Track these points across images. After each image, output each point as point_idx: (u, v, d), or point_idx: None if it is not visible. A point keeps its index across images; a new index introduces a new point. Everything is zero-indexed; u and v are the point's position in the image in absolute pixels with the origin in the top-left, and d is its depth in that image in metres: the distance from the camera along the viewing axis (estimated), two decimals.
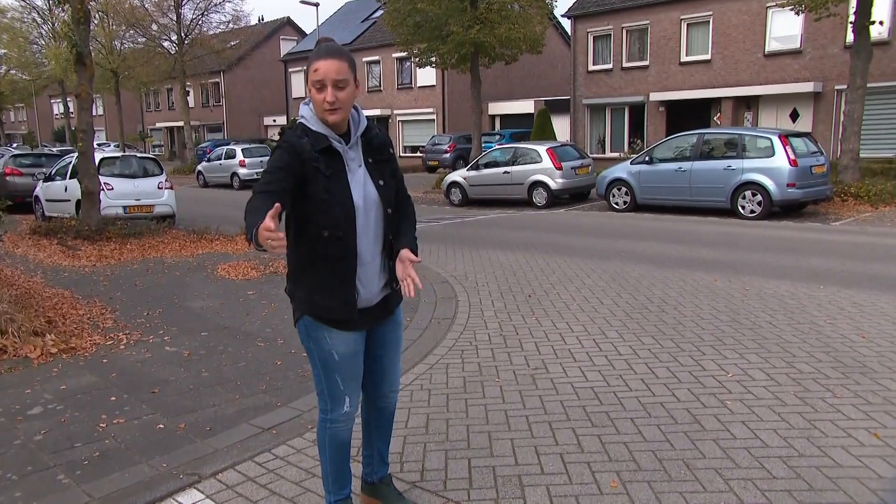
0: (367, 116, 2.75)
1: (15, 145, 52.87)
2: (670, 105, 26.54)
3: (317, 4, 27.79)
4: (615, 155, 26.50)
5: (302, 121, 2.61)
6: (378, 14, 32.18)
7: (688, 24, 25.84)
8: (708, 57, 25.36)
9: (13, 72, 48.30)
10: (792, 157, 12.54)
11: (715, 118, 25.34)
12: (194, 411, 4.30)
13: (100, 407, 4.38)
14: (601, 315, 6.31)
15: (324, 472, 2.88)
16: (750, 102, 24.87)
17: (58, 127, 64.02)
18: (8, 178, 18.58)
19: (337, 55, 2.52)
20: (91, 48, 34.02)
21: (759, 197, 12.84)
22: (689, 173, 13.84)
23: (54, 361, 5.28)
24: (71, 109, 53.96)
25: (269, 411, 4.28)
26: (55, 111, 66.19)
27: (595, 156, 25.99)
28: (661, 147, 14.97)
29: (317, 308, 2.64)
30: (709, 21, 25.16)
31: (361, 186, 2.62)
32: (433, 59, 22.56)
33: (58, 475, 3.52)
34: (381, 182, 2.67)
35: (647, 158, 14.82)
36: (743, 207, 13.07)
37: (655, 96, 26.56)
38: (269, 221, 2.09)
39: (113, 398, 4.52)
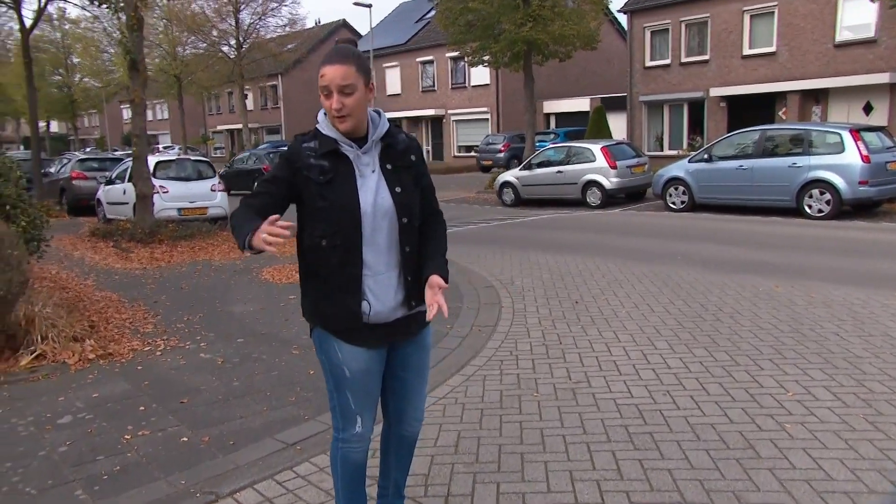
0: (388, 120, 2.54)
1: (88, 149, 55.00)
2: (732, 100, 25.60)
3: (369, 6, 27.84)
4: (673, 153, 25.72)
5: (317, 125, 2.48)
6: (432, 14, 32.08)
7: (751, 16, 24.86)
8: (773, 49, 24.35)
9: (86, 79, 50.09)
10: (864, 152, 11.82)
11: (780, 113, 24.32)
12: (220, 423, 4.17)
13: (128, 417, 4.30)
14: (651, 324, 5.97)
15: (336, 494, 2.70)
16: (818, 96, 23.76)
17: (126, 131, 66.26)
18: (74, 181, 19.16)
19: (343, 59, 2.36)
20: (156, 55, 34.80)
21: (828, 196, 12.15)
22: (751, 171, 13.22)
23: (91, 367, 5.26)
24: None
25: (295, 424, 4.12)
26: (124, 116, 68.51)
27: (652, 154, 25.30)
28: (722, 144, 14.37)
29: (321, 317, 2.50)
30: (773, 12, 24.16)
31: (373, 193, 2.43)
32: (486, 57, 22.28)
33: (76, 490, 3.44)
34: (399, 189, 2.48)
35: (705, 156, 14.24)
36: (809, 207, 12.40)
37: (716, 91, 25.66)
38: (266, 226, 2.09)
39: (142, 408, 4.44)
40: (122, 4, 11.37)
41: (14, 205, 6.28)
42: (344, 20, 51.68)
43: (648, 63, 28.02)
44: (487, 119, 35.28)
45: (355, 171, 2.43)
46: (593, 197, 16.04)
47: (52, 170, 21.94)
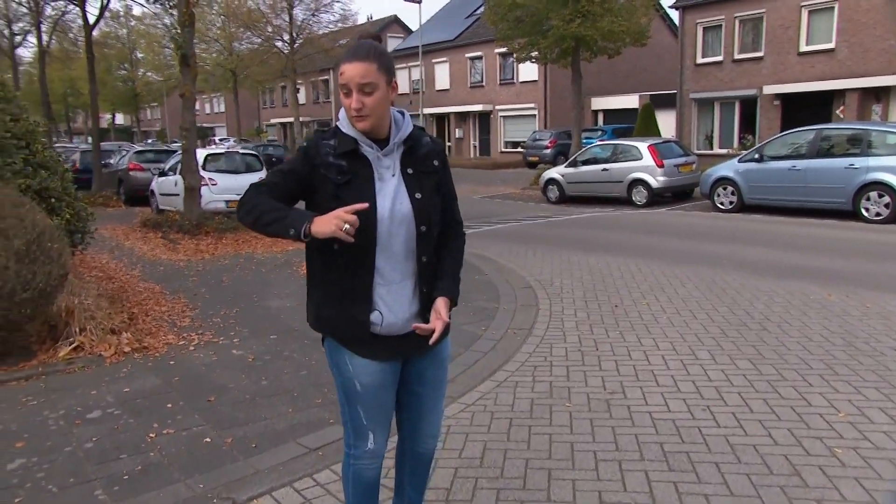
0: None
1: (150, 141, 56.36)
2: (786, 98, 24.64)
3: (419, 2, 27.70)
4: (723, 151, 24.92)
5: (337, 123, 2.31)
6: (481, 10, 31.77)
7: (809, 12, 23.86)
8: (831, 45, 23.33)
9: (149, 74, 51.28)
10: None
11: (837, 112, 23.30)
12: (245, 424, 4.07)
13: (155, 414, 4.23)
14: (692, 331, 5.66)
15: None
16: (879, 94, 22.67)
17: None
18: (131, 172, 19.52)
19: (364, 57, 2.19)
20: (213, 50, 35.32)
21: (887, 199, 11.52)
22: (805, 172, 12.63)
23: (126, 361, 5.23)
24: (197, 108, 56.90)
25: (319, 428, 3.98)
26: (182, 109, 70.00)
27: (701, 152, 24.59)
28: (774, 144, 13.78)
29: (326, 323, 2.34)
30: (833, 7, 23.13)
31: (391, 198, 2.26)
32: (533, 54, 21.90)
33: (96, 490, 3.36)
34: (419, 195, 2.30)
35: (756, 156, 13.68)
36: (867, 210, 11.79)
37: (770, 89, 24.74)
38: (342, 211, 2.06)
39: (169, 405, 4.37)
40: (174, 1, 11.44)
41: (59, 198, 6.31)
42: (395, 16, 51.68)
43: (700, 60, 27.19)
44: (535, 115, 34.82)
45: (374, 173, 2.26)
46: (639, 196, 15.60)
47: (112, 161, 22.43)
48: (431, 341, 2.26)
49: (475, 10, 38.11)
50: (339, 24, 39.56)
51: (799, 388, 4.32)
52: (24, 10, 24.35)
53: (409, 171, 2.32)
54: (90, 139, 57.01)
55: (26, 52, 33.23)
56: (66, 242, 5.42)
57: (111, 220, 14.72)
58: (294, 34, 37.13)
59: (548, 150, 28.40)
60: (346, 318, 2.28)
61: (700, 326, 5.79)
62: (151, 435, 3.94)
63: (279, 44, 38.61)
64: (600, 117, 33.67)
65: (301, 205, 2.26)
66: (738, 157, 14.42)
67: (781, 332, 5.54)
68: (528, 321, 6.22)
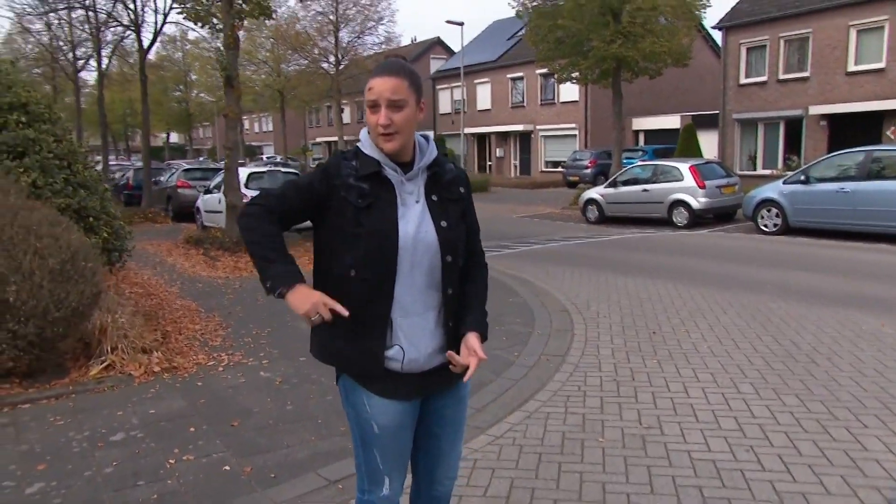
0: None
1: (201, 159, 57.69)
2: (833, 119, 23.86)
3: (461, 24, 27.74)
4: (767, 172, 24.19)
5: (358, 144, 2.14)
6: (523, 31, 31.68)
7: (858, 31, 23.10)
8: (882, 65, 22.51)
9: (201, 94, 52.54)
10: None
11: (888, 133, 22.44)
12: (266, 452, 3.90)
13: (177, 439, 4.10)
14: (735, 362, 5.33)
15: None
16: None
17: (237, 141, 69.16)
18: (179, 189, 19.86)
19: (394, 72, 2.04)
20: (262, 72, 35.96)
21: None
22: (854, 195, 12.09)
23: (155, 381, 5.14)
24: (246, 127, 58.28)
25: (341, 458, 3.79)
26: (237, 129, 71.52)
27: (744, 173, 23.95)
28: (821, 165, 13.25)
29: (337, 358, 2.15)
30: (884, 26, 22.34)
31: (415, 225, 2.08)
32: (574, 74, 21.67)
33: None
34: (444, 224, 2.12)
35: (802, 177, 13.16)
36: None
37: (816, 110, 23.99)
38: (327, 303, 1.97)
39: (192, 429, 4.23)
40: (220, 26, 11.57)
41: (97, 216, 6.31)
42: (438, 38, 51.98)
43: (743, 80, 26.56)
44: (575, 135, 34.47)
45: (397, 198, 2.09)
46: (680, 217, 15.17)
47: (162, 178, 22.86)
48: (466, 378, 2.09)
49: (517, 32, 38.02)
50: (384, 46, 39.89)
51: (852, 429, 3.98)
52: (86, 35, 25.05)
53: (434, 197, 2.15)
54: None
55: (89, 76, 34.37)
56: (100, 261, 5.38)
57: (158, 236, 14.92)
58: (339, 56, 37.57)
59: (588, 170, 28.03)
60: (360, 350, 2.09)
61: (743, 357, 5.46)
62: (171, 461, 3.80)
63: (325, 65, 39.12)
64: (641, 137, 33.17)
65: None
66: (782, 179, 13.92)
67: (831, 365, 5.18)
68: (563, 347, 5.96)
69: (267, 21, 36.67)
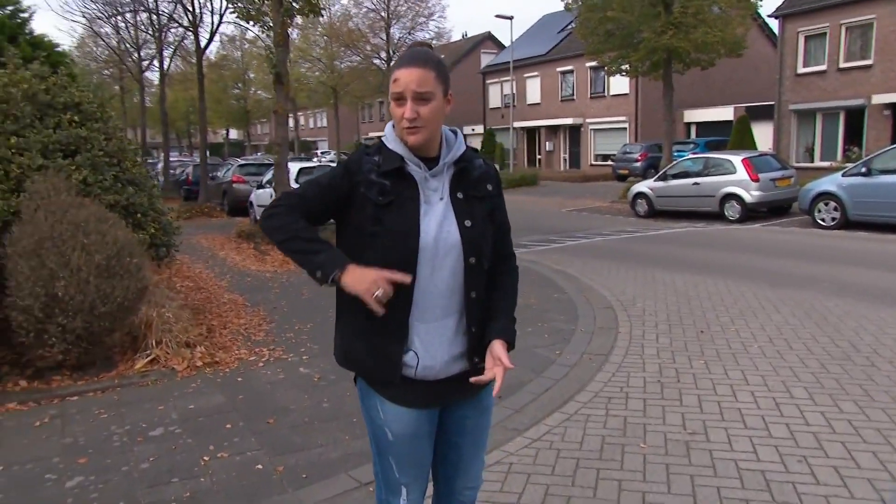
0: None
1: (258, 154, 58.74)
2: None
3: (510, 18, 27.39)
4: (825, 164, 23.14)
5: (382, 137, 2.00)
6: (573, 24, 31.10)
7: None
8: None
9: (259, 92, 53.45)
10: None
11: None
12: (300, 451, 3.82)
13: (213, 435, 4.05)
14: (787, 364, 5.01)
15: None
16: None
17: (291, 138, 70.25)
18: (234, 185, 20.15)
19: (421, 62, 1.89)
20: (316, 69, 36.34)
21: None
22: None
23: (197, 375, 5.13)
24: (301, 123, 59.13)
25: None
26: (289, 125, 72.65)
27: (801, 165, 22.99)
28: (885, 156, 12.52)
29: (355, 363, 2.02)
30: None
31: (437, 223, 1.93)
32: (624, 66, 21.11)
33: None
34: (469, 223, 1.96)
35: (863, 169, 12.48)
36: None
37: (879, 98, 22.79)
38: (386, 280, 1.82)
39: (228, 426, 4.19)
40: (270, 24, 11.60)
41: (144, 213, 6.35)
42: (489, 32, 51.53)
43: (801, 69, 25.45)
44: (626, 128, 33.71)
45: (420, 195, 1.94)
46: (732, 210, 14.60)
47: (219, 174, 23.27)
48: (496, 392, 1.96)
49: (567, 25, 37.38)
50: (434, 42, 39.79)
51: None
52: (150, 37, 25.67)
53: (459, 195, 1.99)
54: (208, 153, 60.14)
55: (154, 76, 35.16)
56: (145, 257, 5.40)
57: (213, 230, 15.15)
58: (391, 52, 37.61)
59: (638, 164, 27.36)
60: (376, 355, 1.96)
61: (796, 359, 5.13)
62: (206, 458, 3.75)
63: (377, 61, 39.23)
64: (693, 130, 32.19)
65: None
66: (842, 171, 13.24)
67: (894, 369, 4.82)
68: (606, 346, 5.73)
69: (320, 19, 37.18)
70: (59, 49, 23.06)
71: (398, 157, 1.94)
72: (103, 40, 30.13)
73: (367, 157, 1.97)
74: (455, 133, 2.08)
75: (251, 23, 12.22)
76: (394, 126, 1.99)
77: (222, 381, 5.00)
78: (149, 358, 5.22)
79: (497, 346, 1.97)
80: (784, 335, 5.77)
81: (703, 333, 5.96)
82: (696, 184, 15.37)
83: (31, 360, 5.08)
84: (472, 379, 1.95)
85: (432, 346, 1.96)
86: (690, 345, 5.64)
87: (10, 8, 20.52)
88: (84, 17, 31.22)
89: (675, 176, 16.05)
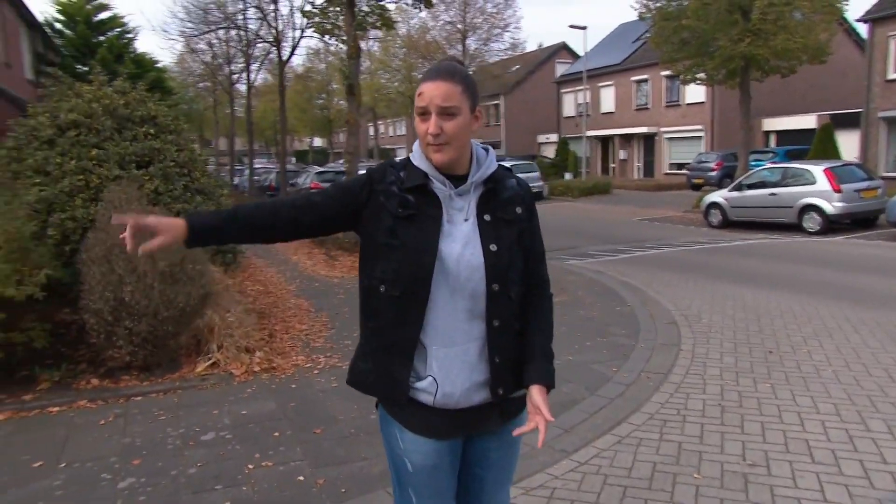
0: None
1: (340, 162, 60.11)
2: None
3: (584, 28, 26.87)
4: None
5: (410, 154, 1.89)
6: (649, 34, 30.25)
7: None
8: None
9: (341, 102, 54.65)
10: None
11: None
12: (342, 464, 3.72)
13: (260, 443, 4.02)
14: (865, 392, 4.57)
15: None
16: None
17: (371, 146, 71.52)
18: (312, 191, 20.55)
19: (447, 76, 1.76)
20: (395, 80, 36.92)
21: None
22: None
23: (253, 380, 5.14)
24: (381, 132, 60.07)
25: None
26: (370, 133, 73.98)
27: (891, 175, 21.49)
28: None
29: (357, 377, 1.91)
30: None
31: (460, 245, 1.79)
32: (699, 75, 20.29)
33: None
34: (494, 247, 1.81)
35: None
36: None
37: None
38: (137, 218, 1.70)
39: (276, 434, 4.14)
40: (343, 37, 11.73)
41: None
42: (564, 43, 50.82)
43: (891, 75, 23.78)
44: (701, 137, 32.47)
45: (443, 214, 1.81)
46: (811, 222, 13.74)
47: (299, 181, 23.81)
48: (539, 444, 1.81)
49: (643, 34, 36.42)
50: (509, 52, 39.58)
51: None
52: (239, 52, 26.63)
53: (487, 217, 1.84)
54: (293, 159, 61.87)
55: (243, 88, 36.51)
56: (207, 264, 5.46)
57: None
58: (466, 63, 37.65)
59: (713, 173, 26.26)
60: (381, 373, 1.84)
61: (875, 386, 4.68)
62: (250, 466, 3.71)
63: None
64: (773, 139, 30.68)
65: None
66: None
67: None
68: (667, 364, 5.40)
69: (399, 32, 37.62)
70: (158, 65, 24.17)
71: (422, 173, 1.82)
72: (198, 56, 31.50)
73: (391, 170, 1.87)
74: (487, 151, 1.93)
75: (326, 36, 12.40)
76: (419, 142, 1.86)
77: (276, 388, 4.98)
78: (210, 362, 5.27)
79: (536, 394, 1.84)
80: (862, 359, 5.28)
81: (771, 354, 5.54)
82: (773, 194, 14.57)
83: (103, 359, 5.22)
84: (516, 432, 1.84)
85: (452, 373, 1.81)
86: (757, 366, 5.24)
87: (118, 30, 21.66)
88: (182, 35, 32.75)
89: (752, 186, 15.27)
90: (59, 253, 5.41)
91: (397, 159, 1.95)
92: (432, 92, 1.75)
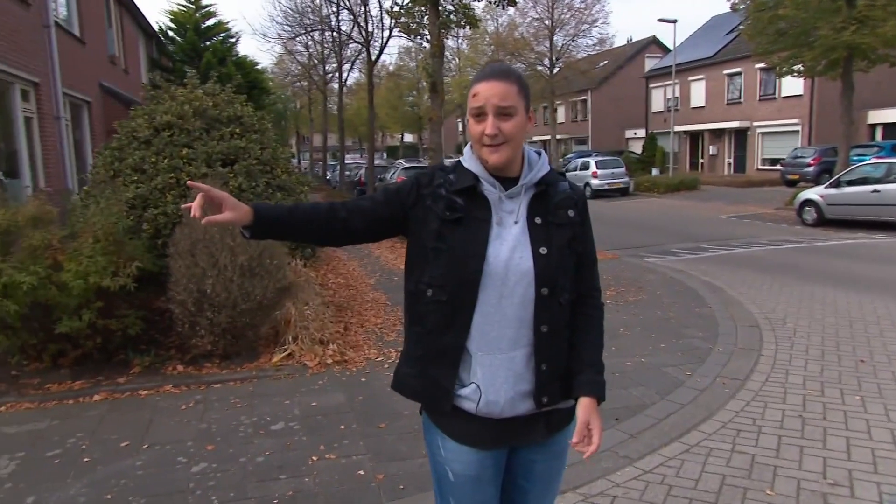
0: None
1: (425, 158, 60.75)
2: None
3: (674, 21, 25.78)
4: None
5: (460, 158, 1.81)
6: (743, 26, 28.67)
7: None
8: None
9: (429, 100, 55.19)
10: None
11: None
12: (402, 460, 3.69)
13: (326, 435, 4.04)
14: None
15: None
16: None
17: (458, 141, 71.84)
18: (364, 195, 20.86)
19: (503, 76, 1.69)
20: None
21: None
22: None
23: (325, 373, 5.19)
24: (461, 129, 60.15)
25: None
26: (458, 129, 74.31)
27: None
28: None
29: (400, 382, 1.85)
30: None
31: (509, 249, 1.70)
32: (797, 67, 19.01)
33: None
34: (544, 250, 1.72)
35: None
36: None
37: None
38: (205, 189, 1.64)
39: (342, 427, 4.15)
40: (428, 36, 11.74)
41: None
42: (654, 37, 49.08)
43: None
44: (798, 131, 30.53)
45: (493, 216, 1.72)
46: None
47: (387, 175, 24.16)
48: (586, 457, 1.72)
49: (736, 26, 34.60)
50: (597, 48, 38.61)
51: None
52: (332, 52, 27.33)
53: (537, 220, 1.75)
54: (385, 154, 62.94)
55: (336, 87, 37.43)
56: (285, 259, 5.56)
57: None
58: (554, 59, 36.99)
59: (810, 168, 24.60)
60: (426, 379, 1.77)
61: None
62: (314, 458, 3.73)
63: (540, 68, 38.79)
64: (878, 132, 28.45)
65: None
66: None
67: None
68: (745, 369, 5.06)
69: (488, 29, 37.40)
70: (258, 67, 25.05)
71: (472, 175, 1.74)
72: (295, 57, 32.55)
73: (440, 173, 1.80)
74: (539, 154, 1.84)
75: (412, 36, 12.46)
76: (472, 144, 1.78)
77: (347, 381, 5.01)
78: (285, 352, 5.37)
79: (585, 408, 1.75)
80: None
81: (863, 363, 5.08)
82: (876, 191, 13.47)
83: (188, 347, 5.42)
84: (573, 443, 1.74)
85: (497, 381, 1.72)
86: (846, 376, 4.82)
87: (222, 35, 22.62)
88: (280, 38, 33.88)
89: (852, 182, 14.18)
90: (153, 246, 5.66)
91: (447, 162, 1.88)
92: (488, 92, 1.68)
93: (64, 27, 12.06)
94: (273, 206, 1.79)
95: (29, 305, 4.72)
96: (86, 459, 3.78)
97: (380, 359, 5.51)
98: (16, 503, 3.34)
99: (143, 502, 3.30)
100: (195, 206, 1.62)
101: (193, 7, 21.04)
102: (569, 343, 1.80)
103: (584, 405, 1.74)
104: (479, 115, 1.69)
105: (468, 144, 1.82)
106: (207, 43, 20.97)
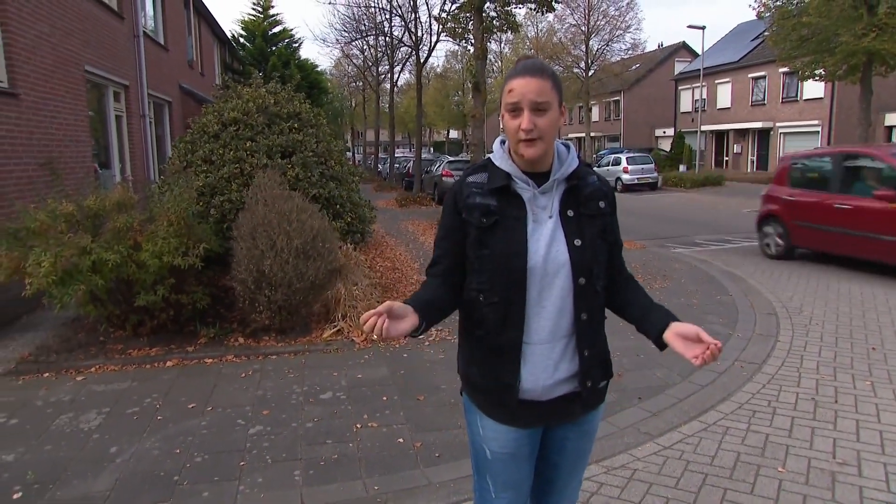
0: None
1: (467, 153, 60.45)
2: None
3: (703, 28, 24.91)
4: None
5: (490, 155, 1.73)
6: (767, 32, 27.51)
7: None
8: None
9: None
10: None
11: None
12: (438, 430, 3.65)
13: (369, 405, 4.03)
14: None
15: None
16: None
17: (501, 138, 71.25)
18: (444, 178, 20.75)
19: (538, 72, 1.60)
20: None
21: None
22: None
23: (371, 348, 5.19)
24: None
25: None
26: (500, 126, 73.71)
27: None
28: None
29: (471, 384, 1.75)
30: None
31: (546, 243, 1.62)
32: (818, 71, 18.16)
33: (295, 470, 3.23)
34: (579, 242, 1.64)
35: None
36: None
37: None
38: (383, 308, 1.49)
39: (384, 398, 4.14)
40: (472, 40, 11.59)
41: (342, 204, 6.58)
42: (683, 42, 47.61)
43: None
44: (818, 132, 29.25)
45: (528, 214, 1.64)
46: None
47: (432, 169, 24.11)
48: (717, 355, 1.55)
49: (761, 33, 33.28)
50: (630, 52, 37.65)
51: None
52: (384, 55, 27.36)
53: (570, 213, 1.66)
54: (432, 149, 62.91)
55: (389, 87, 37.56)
56: (336, 243, 5.56)
57: (421, 217, 15.64)
58: (589, 62, 36.26)
59: None
60: (491, 379, 1.68)
61: None
62: (358, 425, 3.73)
63: (576, 70, 38.10)
64: (895, 134, 27.08)
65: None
66: None
67: None
68: (762, 354, 4.86)
69: (528, 34, 36.84)
70: (318, 69, 25.23)
71: (504, 174, 1.66)
72: (351, 61, 32.68)
73: (469, 181, 1.70)
74: (568, 147, 1.74)
75: (457, 40, 12.33)
76: (502, 143, 1.71)
77: (390, 356, 5.00)
78: (335, 329, 5.39)
79: (677, 328, 1.61)
80: None
81: (874, 350, 4.83)
82: None
83: (249, 321, 5.49)
84: (696, 360, 1.54)
85: (537, 370, 1.65)
86: (858, 362, 4.59)
87: (286, 40, 22.83)
88: (337, 42, 34.07)
89: None
90: (218, 230, 5.74)
91: (475, 164, 1.79)
92: (525, 87, 1.58)
93: (151, 36, 12.34)
94: (415, 301, 1.63)
95: (114, 280, 4.85)
96: (159, 417, 3.86)
97: (421, 337, 5.47)
98: (101, 451, 3.44)
99: (206, 458, 3.36)
100: (380, 326, 1.47)
101: (262, 16, 21.27)
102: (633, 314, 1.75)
103: (673, 329, 1.62)
104: (515, 110, 1.60)
105: (496, 141, 1.74)
106: (273, 48, 21.21)
